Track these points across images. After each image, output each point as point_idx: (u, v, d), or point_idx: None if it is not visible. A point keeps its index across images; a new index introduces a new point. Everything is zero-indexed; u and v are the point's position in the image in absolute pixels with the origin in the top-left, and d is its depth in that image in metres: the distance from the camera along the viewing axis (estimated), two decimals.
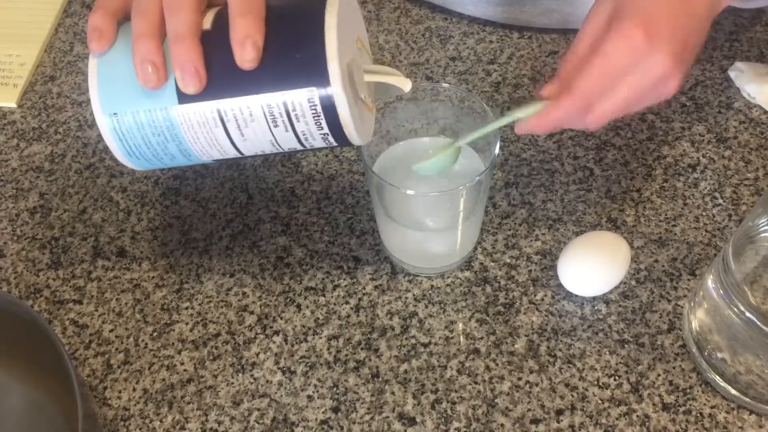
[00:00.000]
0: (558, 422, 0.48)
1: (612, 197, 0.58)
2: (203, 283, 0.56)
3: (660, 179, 0.59)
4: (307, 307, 0.54)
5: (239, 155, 0.42)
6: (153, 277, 0.56)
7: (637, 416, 0.48)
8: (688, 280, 0.54)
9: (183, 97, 0.39)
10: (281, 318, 0.54)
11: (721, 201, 0.57)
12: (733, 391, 0.48)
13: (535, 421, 0.48)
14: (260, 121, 0.39)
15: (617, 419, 0.48)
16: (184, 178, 0.61)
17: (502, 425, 0.48)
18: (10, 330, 0.46)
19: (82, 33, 0.72)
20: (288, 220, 0.58)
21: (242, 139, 0.39)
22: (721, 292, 0.46)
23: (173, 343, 0.53)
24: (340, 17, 0.38)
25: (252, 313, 0.54)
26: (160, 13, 0.38)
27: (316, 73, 0.38)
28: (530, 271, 0.55)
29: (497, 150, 0.48)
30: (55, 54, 0.71)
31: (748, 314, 0.44)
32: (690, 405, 0.49)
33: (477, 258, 0.56)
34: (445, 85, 0.53)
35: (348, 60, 0.39)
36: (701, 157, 0.60)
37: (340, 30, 0.38)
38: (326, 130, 0.39)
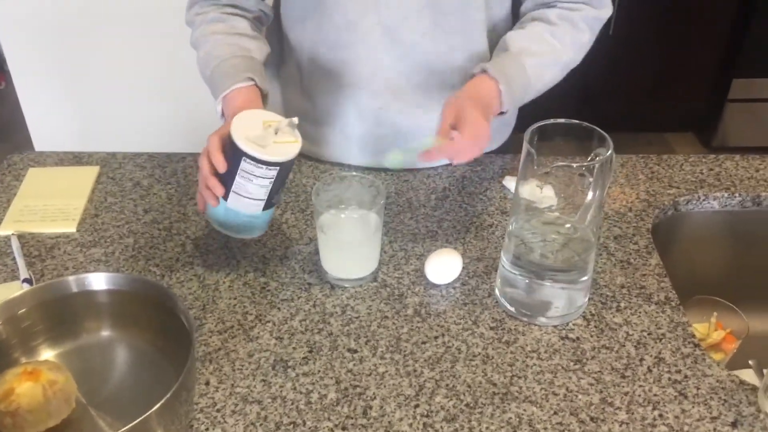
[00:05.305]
0: (436, 342, 0.87)
1: (449, 243, 1.02)
2: (217, 304, 0.92)
3: (474, 232, 1.04)
4: (285, 308, 0.92)
5: (256, 201, 0.87)
6: (185, 303, 0.92)
7: (477, 335, 0.88)
8: (494, 271, 0.97)
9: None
10: (269, 315, 0.91)
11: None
12: (523, 317, 0.90)
13: (425, 342, 0.87)
14: (248, 183, 0.87)
15: (467, 338, 0.88)
16: (191, 265, 0.99)
17: (406, 347, 0.87)
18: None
19: (111, 189, 1.12)
20: (264, 271, 0.97)
21: (246, 194, 0.88)
22: (507, 267, 0.90)
23: (206, 333, 0.88)
24: (236, 126, 0.87)
25: (251, 314, 0.91)
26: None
27: (239, 154, 0.86)
28: (409, 277, 0.96)
29: (383, 200, 0.91)
30: (95, 203, 1.09)
31: (517, 272, 0.88)
32: (505, 326, 0.89)
33: (379, 275, 0.96)
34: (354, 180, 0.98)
35: (251, 135, 0.86)
36: (493, 221, 1.06)
37: (239, 131, 0.86)
38: (260, 166, 0.86)
